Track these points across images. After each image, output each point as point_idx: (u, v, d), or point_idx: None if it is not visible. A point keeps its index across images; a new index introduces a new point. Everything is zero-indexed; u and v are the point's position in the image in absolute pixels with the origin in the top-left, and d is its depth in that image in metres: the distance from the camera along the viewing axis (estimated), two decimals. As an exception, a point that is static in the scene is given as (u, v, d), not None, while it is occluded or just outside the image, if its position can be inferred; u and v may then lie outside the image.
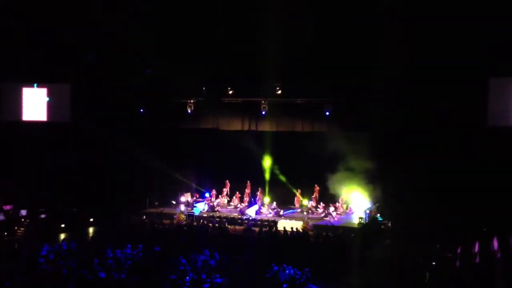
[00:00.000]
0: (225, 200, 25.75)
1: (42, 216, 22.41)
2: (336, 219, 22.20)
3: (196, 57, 20.75)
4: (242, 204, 24.63)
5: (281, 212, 23.26)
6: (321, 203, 23.54)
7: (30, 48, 20.84)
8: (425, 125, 19.35)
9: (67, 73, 22.07)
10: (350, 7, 17.86)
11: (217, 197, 25.75)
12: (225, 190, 26.04)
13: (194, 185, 27.60)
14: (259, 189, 24.72)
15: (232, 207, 24.94)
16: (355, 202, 23.30)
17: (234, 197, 25.43)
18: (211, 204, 24.68)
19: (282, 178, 24.55)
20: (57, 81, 22.79)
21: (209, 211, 23.93)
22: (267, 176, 25.31)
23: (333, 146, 22.52)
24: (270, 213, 23.38)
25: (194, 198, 25.65)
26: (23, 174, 22.76)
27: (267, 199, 24.52)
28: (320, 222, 21.59)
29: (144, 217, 22.42)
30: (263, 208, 23.96)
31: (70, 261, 14.29)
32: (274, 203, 23.91)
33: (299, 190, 24.55)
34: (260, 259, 15.44)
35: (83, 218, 22.89)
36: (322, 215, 22.75)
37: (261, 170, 25.11)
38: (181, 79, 21.75)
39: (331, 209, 22.96)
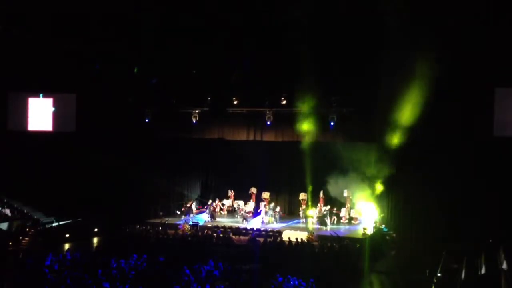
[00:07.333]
0: (229, 208, 25.77)
1: (47, 226, 22.44)
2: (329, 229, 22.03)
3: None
4: (246, 213, 24.55)
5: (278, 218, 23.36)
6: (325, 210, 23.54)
7: (36, 58, 20.94)
8: (430, 135, 19.28)
9: (72, 83, 22.15)
10: (355, 14, 17.80)
11: (221, 208, 25.74)
12: (229, 200, 26.03)
13: (198, 195, 27.60)
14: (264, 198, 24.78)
15: (236, 216, 24.90)
16: (362, 212, 23.21)
17: (238, 208, 25.39)
18: (215, 213, 24.64)
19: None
20: (63, 91, 22.90)
21: (213, 221, 23.88)
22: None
23: (338, 156, 22.49)
24: (274, 217, 23.44)
25: (199, 208, 25.62)
26: (29, 184, 22.85)
27: (272, 204, 24.37)
28: (325, 233, 21.50)
29: (149, 227, 22.38)
30: (266, 216, 23.91)
31: (75, 271, 14.29)
32: (278, 207, 23.90)
33: (303, 206, 24.44)
34: (264, 270, 15.37)
35: (87, 228, 22.88)
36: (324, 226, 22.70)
37: (266, 180, 25.12)
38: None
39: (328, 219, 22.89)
